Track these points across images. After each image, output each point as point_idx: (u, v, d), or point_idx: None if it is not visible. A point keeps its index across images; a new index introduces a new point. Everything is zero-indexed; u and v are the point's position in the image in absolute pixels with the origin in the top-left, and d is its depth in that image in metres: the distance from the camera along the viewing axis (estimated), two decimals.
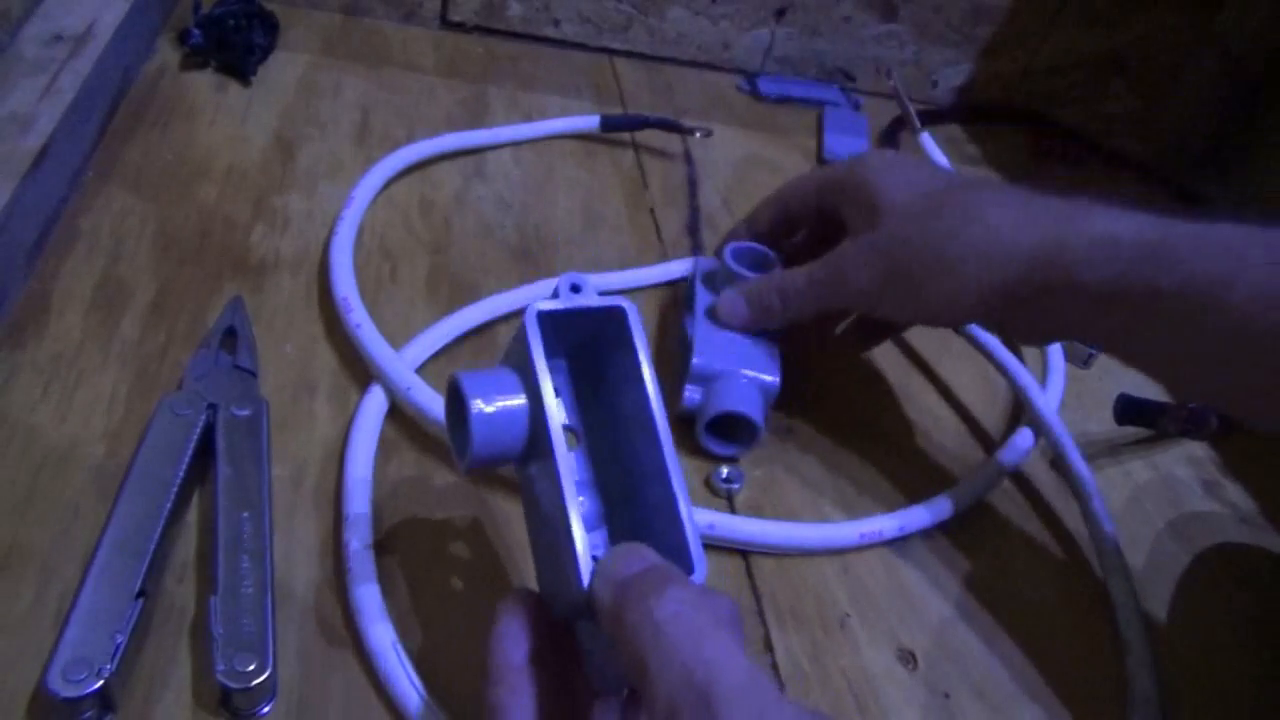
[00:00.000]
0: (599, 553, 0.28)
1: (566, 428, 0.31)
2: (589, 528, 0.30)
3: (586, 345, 0.32)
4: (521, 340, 0.30)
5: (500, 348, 0.42)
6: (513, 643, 0.28)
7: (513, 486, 0.41)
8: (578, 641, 0.29)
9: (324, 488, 0.39)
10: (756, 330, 0.46)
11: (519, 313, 0.30)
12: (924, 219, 0.41)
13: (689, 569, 0.28)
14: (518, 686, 0.27)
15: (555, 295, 0.31)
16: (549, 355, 0.30)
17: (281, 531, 0.37)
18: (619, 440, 0.32)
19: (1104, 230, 0.37)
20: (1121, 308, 0.36)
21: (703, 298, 0.47)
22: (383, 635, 0.34)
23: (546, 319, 0.30)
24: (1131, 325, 0.37)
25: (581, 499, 0.31)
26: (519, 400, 0.30)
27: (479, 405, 0.29)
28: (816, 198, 0.47)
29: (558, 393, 0.30)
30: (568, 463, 0.28)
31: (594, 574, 0.27)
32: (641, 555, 0.27)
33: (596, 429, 0.33)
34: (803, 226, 0.49)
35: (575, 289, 0.31)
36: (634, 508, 0.31)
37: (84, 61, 0.50)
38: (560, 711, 0.27)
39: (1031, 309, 0.39)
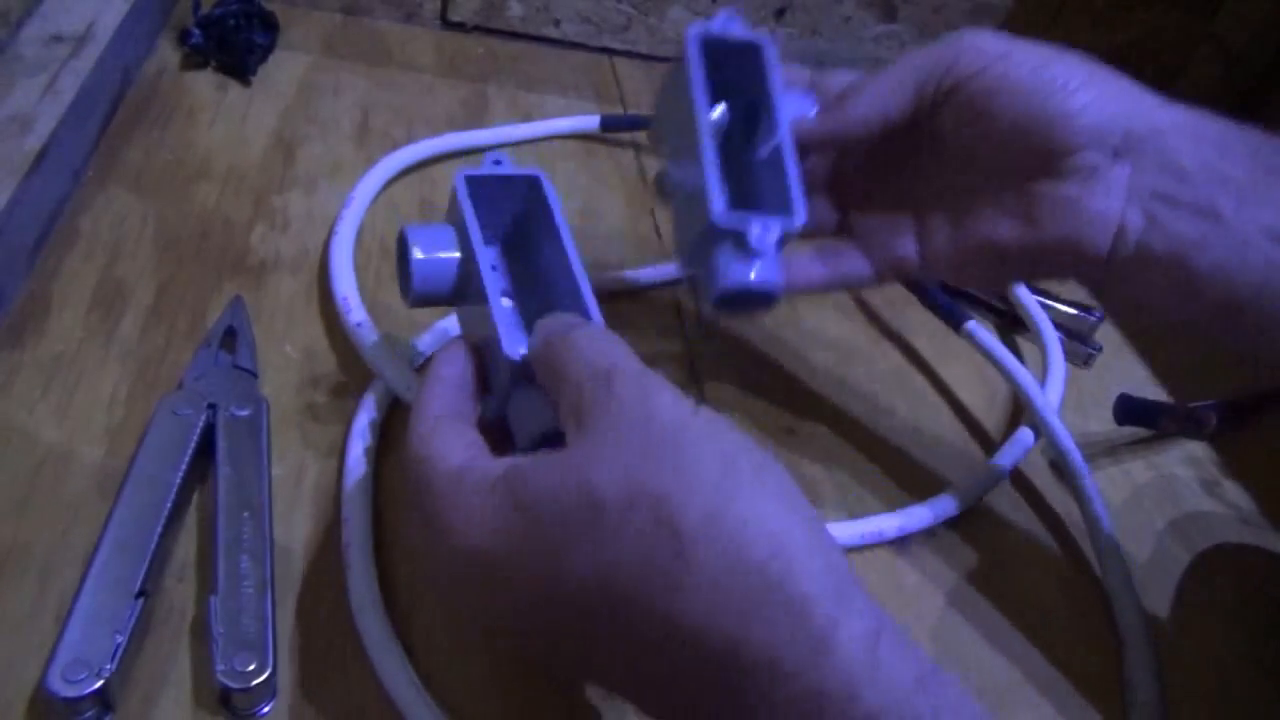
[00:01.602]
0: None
1: (503, 292, 0.38)
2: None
3: (517, 229, 0.39)
4: (452, 198, 0.36)
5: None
6: (448, 363, 0.34)
7: None
8: (509, 424, 0.34)
9: (324, 488, 0.39)
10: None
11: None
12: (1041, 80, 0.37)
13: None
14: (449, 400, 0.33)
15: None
16: (483, 228, 0.36)
17: (281, 531, 0.37)
18: (546, 299, 0.37)
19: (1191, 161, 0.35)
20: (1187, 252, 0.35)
21: (705, 111, 0.39)
22: (383, 635, 0.34)
23: (472, 182, 0.37)
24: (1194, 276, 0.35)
25: (507, 302, 0.38)
26: (453, 253, 0.36)
27: (417, 253, 0.36)
28: (916, 97, 0.39)
29: (490, 256, 0.37)
30: (489, 269, 0.35)
31: (532, 335, 0.32)
32: (564, 319, 0.32)
33: (528, 296, 0.38)
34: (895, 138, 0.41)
35: (497, 163, 0.38)
36: (544, 294, 0.37)
37: (84, 61, 0.50)
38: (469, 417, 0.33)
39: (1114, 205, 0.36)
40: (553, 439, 0.30)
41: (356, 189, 0.52)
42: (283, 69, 0.62)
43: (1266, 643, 0.44)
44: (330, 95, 0.62)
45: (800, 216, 0.38)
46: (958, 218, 0.40)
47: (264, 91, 0.60)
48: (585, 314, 0.34)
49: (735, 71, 0.40)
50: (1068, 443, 0.48)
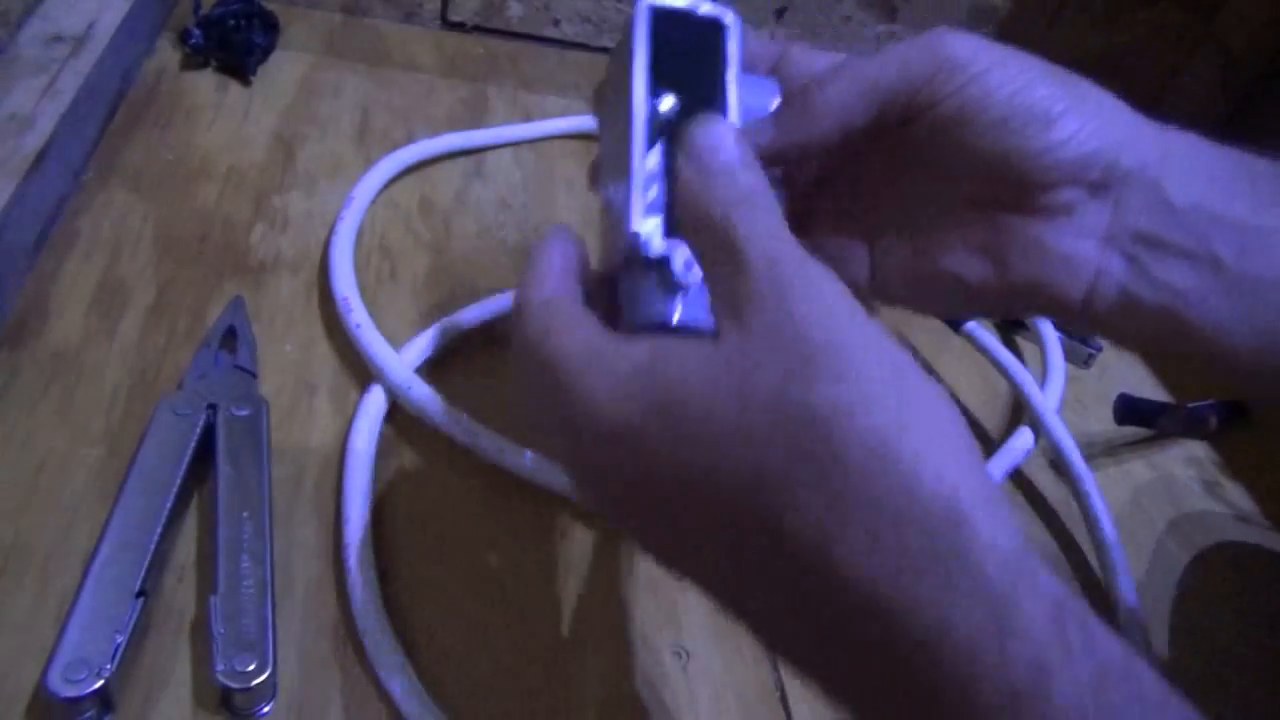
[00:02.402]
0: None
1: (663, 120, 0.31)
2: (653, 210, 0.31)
3: (692, 74, 0.32)
4: (627, 31, 0.31)
5: (504, 348, 0.42)
6: (560, 247, 0.30)
7: (515, 488, 0.41)
8: (620, 294, 0.30)
9: (324, 488, 0.39)
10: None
11: None
12: (1032, 85, 0.32)
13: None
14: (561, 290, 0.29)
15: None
16: (658, 76, 0.31)
17: (281, 531, 0.37)
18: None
19: (1196, 200, 0.32)
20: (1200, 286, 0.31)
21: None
22: (382, 634, 0.34)
23: (660, 18, 0.31)
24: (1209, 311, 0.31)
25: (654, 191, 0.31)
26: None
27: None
28: (898, 90, 0.33)
29: (658, 94, 0.31)
30: (645, 116, 0.30)
31: (684, 162, 0.28)
32: (722, 141, 0.27)
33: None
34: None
35: None
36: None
37: (84, 61, 0.50)
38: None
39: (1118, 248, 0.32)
40: (669, 331, 0.28)
41: (356, 189, 0.52)
42: (283, 69, 0.62)
43: (1266, 642, 0.44)
44: (330, 95, 0.62)
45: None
46: (916, 243, 0.35)
47: (264, 91, 0.60)
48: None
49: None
50: (1068, 443, 0.48)
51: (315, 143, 0.57)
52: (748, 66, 0.33)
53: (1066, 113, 0.31)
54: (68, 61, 0.50)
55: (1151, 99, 0.81)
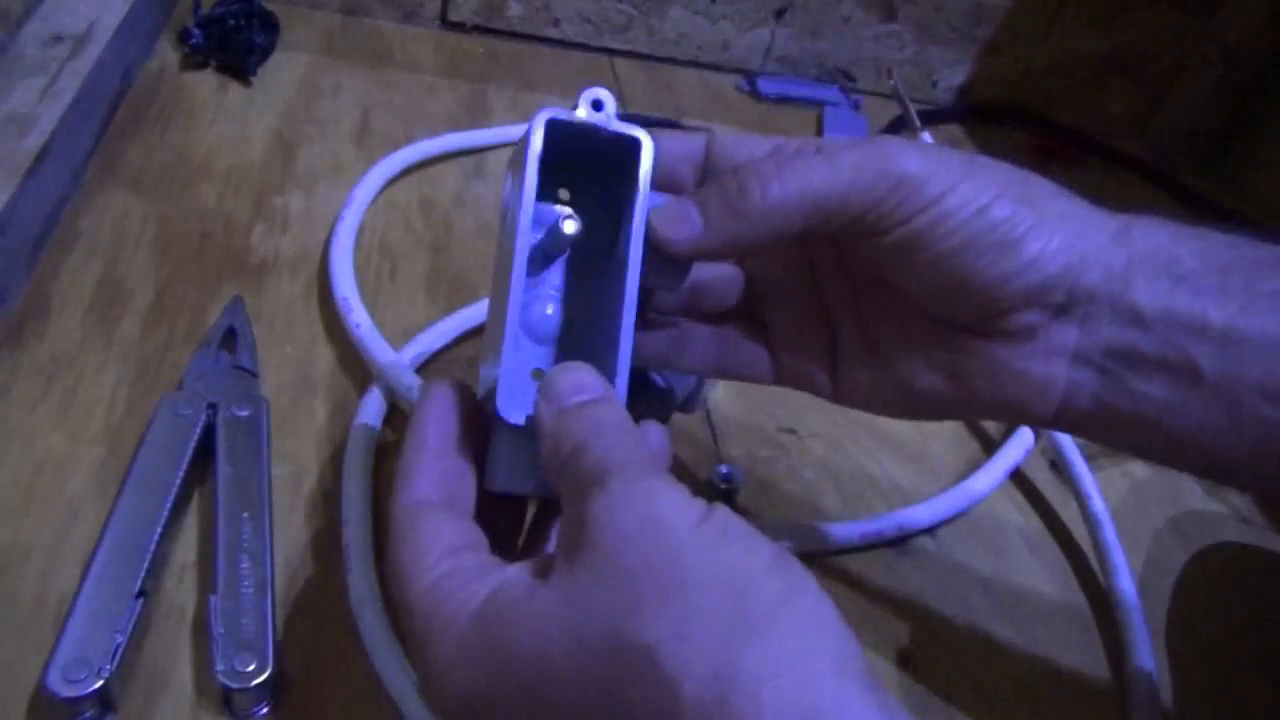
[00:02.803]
0: (539, 364, 0.29)
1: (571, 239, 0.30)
2: (540, 338, 0.31)
3: (613, 170, 0.31)
4: (523, 142, 0.29)
5: None
6: (436, 420, 0.30)
7: None
8: (491, 435, 0.29)
9: (324, 488, 0.39)
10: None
11: None
12: (985, 209, 0.30)
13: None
14: (431, 465, 0.29)
15: (576, 106, 0.30)
16: (564, 165, 0.30)
17: (281, 531, 0.37)
18: (606, 275, 0.31)
19: (1164, 304, 0.30)
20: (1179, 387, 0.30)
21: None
22: (383, 635, 0.34)
23: (555, 129, 0.29)
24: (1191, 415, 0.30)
25: (549, 310, 0.31)
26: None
27: None
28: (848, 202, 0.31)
29: (570, 203, 0.31)
30: (522, 261, 0.28)
31: (539, 392, 0.27)
32: (582, 383, 0.27)
33: (593, 257, 0.32)
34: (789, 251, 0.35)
35: (597, 106, 0.30)
36: (588, 340, 0.31)
37: (84, 61, 0.50)
38: (461, 499, 0.29)
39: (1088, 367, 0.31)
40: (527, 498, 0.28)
41: (356, 189, 0.52)
42: (283, 69, 0.62)
43: (1266, 641, 0.44)
44: (330, 95, 0.62)
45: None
46: (878, 359, 0.33)
47: (264, 91, 0.60)
48: (612, 362, 0.29)
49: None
50: (1068, 443, 0.48)
51: (315, 143, 0.57)
52: (670, 167, 0.32)
53: (1027, 235, 0.29)
54: (68, 61, 0.50)
55: (1151, 99, 0.81)
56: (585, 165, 0.31)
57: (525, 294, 0.29)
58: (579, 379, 0.27)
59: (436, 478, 0.29)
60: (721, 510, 0.24)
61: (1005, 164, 0.31)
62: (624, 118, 0.31)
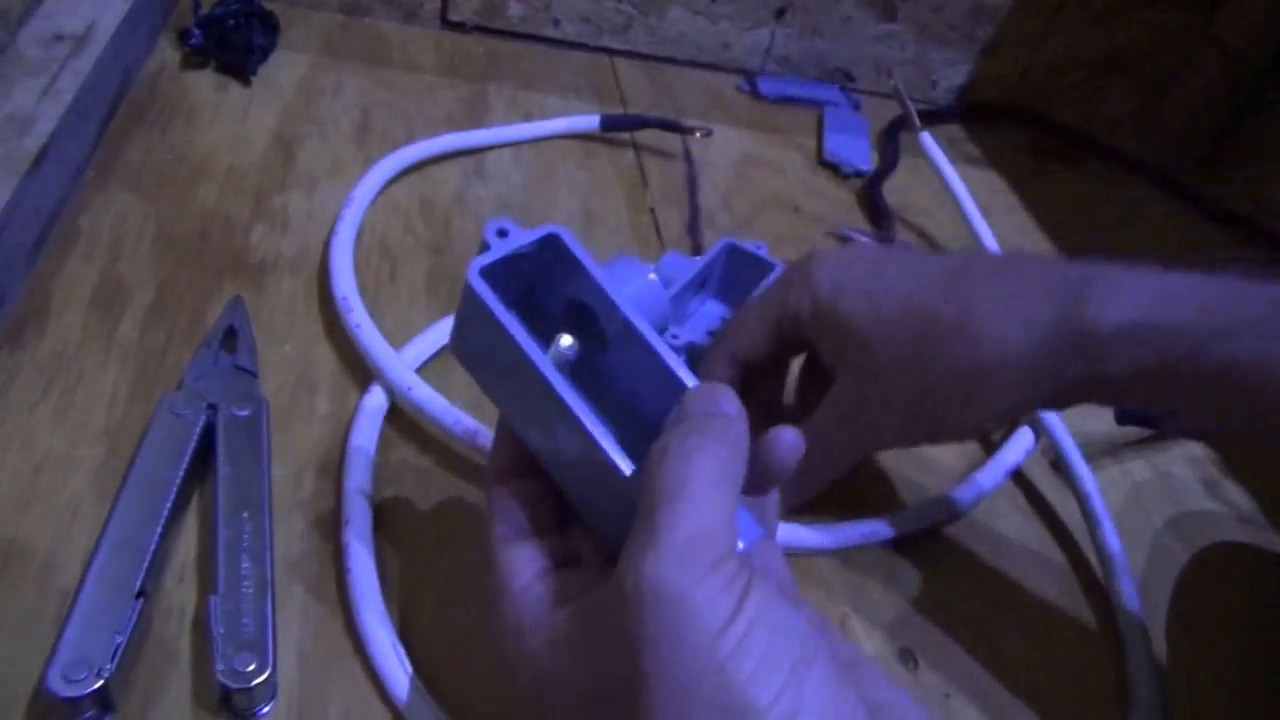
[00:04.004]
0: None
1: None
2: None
3: (537, 286, 0.32)
4: (472, 301, 0.29)
5: None
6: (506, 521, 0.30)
7: None
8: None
9: (324, 488, 0.39)
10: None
11: None
12: (923, 351, 0.36)
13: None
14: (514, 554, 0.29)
15: (485, 247, 0.30)
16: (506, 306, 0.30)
17: (281, 531, 0.37)
18: (606, 360, 0.31)
19: (1127, 317, 0.33)
20: (1159, 392, 0.34)
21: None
22: (383, 634, 0.34)
23: (489, 273, 0.29)
24: (1175, 405, 0.35)
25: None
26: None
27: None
28: (773, 343, 0.40)
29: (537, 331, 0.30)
30: (565, 386, 0.28)
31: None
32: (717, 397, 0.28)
33: (578, 373, 0.32)
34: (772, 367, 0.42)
35: (502, 234, 0.30)
36: (644, 425, 0.30)
37: (84, 61, 0.50)
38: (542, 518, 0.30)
39: (1060, 401, 0.36)
40: None
41: (356, 189, 0.52)
42: (283, 69, 0.62)
43: (1266, 642, 0.44)
44: (330, 95, 0.62)
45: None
46: (855, 436, 0.39)
47: (264, 91, 0.60)
48: (673, 382, 0.29)
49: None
50: (1068, 443, 0.48)
51: (315, 143, 0.57)
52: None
53: (972, 390, 0.35)
54: (68, 61, 0.50)
55: (1151, 99, 0.81)
56: (524, 289, 0.32)
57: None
58: (716, 392, 0.28)
59: (515, 519, 0.30)
60: (751, 607, 0.23)
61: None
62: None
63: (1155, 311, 0.33)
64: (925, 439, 0.40)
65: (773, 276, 0.44)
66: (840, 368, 0.38)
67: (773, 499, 0.30)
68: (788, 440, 0.29)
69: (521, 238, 0.30)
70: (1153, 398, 0.35)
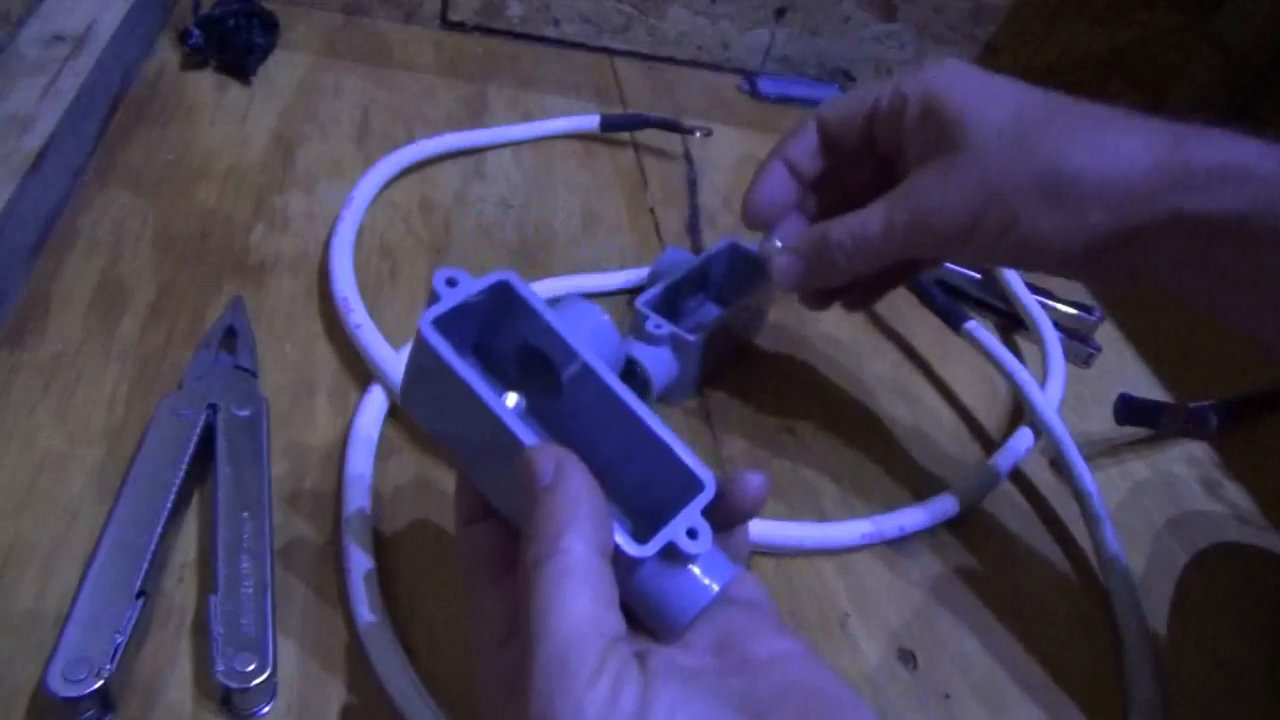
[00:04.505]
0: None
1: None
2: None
3: (488, 330, 0.31)
4: (425, 352, 0.28)
5: None
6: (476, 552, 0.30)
7: None
8: (642, 606, 0.29)
9: (324, 488, 0.39)
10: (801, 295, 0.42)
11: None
12: (1024, 140, 0.35)
13: (698, 486, 0.28)
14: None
15: (435, 297, 0.29)
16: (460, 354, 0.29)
17: (281, 531, 0.37)
18: (563, 413, 0.31)
19: (1230, 159, 0.32)
20: (1243, 245, 0.32)
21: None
22: (382, 634, 0.34)
23: (442, 324, 0.28)
24: (1251, 265, 0.33)
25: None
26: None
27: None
28: (865, 125, 0.40)
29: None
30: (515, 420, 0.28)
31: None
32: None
33: (534, 417, 0.31)
34: (843, 168, 0.42)
35: (451, 283, 0.29)
36: (610, 464, 0.30)
37: (84, 61, 0.50)
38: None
39: (1140, 247, 0.34)
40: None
41: (356, 189, 0.52)
42: (283, 69, 0.62)
43: (1266, 642, 0.44)
44: (330, 95, 0.62)
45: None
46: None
47: (264, 91, 0.60)
48: (676, 463, 0.28)
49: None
50: (1068, 443, 0.48)
51: (315, 143, 0.57)
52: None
53: (1060, 196, 0.35)
54: (68, 61, 0.50)
55: (1151, 99, 0.81)
56: (477, 333, 0.32)
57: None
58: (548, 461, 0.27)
59: (473, 554, 0.30)
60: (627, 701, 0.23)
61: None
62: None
63: (1255, 161, 0.32)
64: (985, 248, 0.36)
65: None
66: (931, 153, 0.37)
67: (741, 532, 0.30)
68: (754, 483, 0.29)
69: (471, 286, 0.29)
70: (1234, 253, 0.33)
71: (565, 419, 0.31)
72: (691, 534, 0.27)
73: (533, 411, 0.31)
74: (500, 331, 0.31)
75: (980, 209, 0.35)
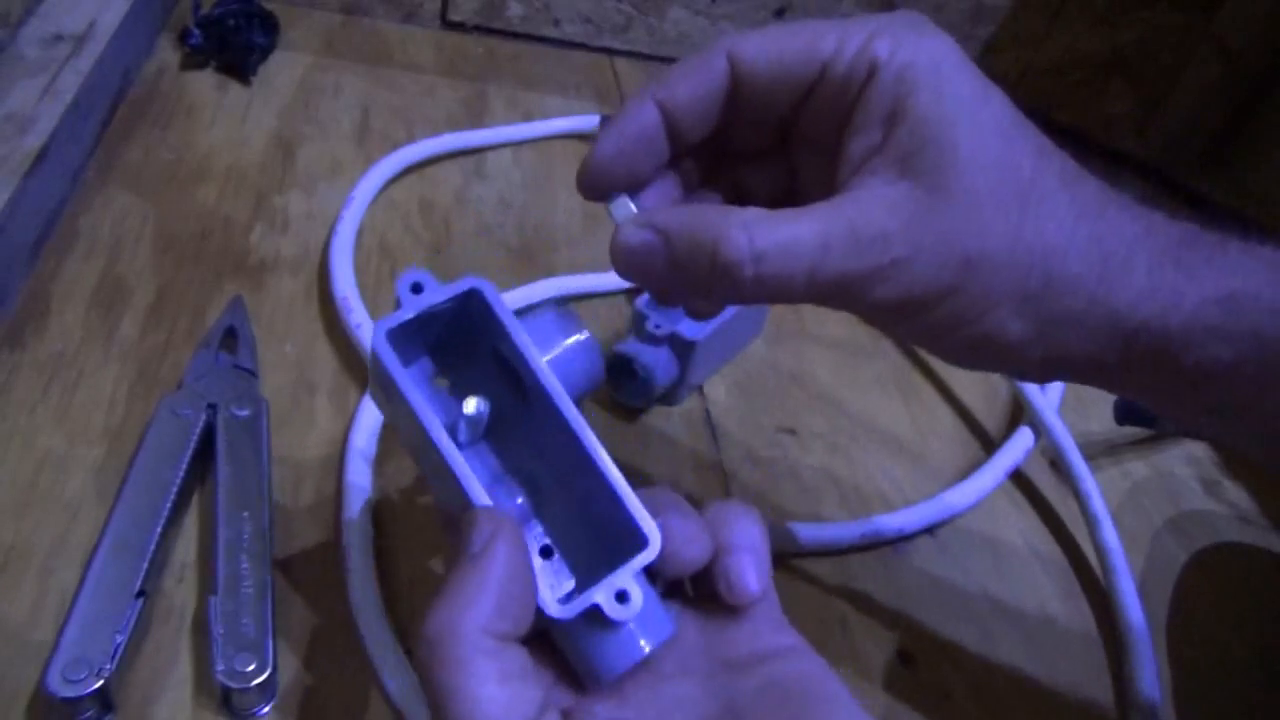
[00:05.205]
0: (539, 541, 0.28)
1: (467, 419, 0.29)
2: (522, 521, 0.29)
3: (460, 329, 0.30)
4: (378, 365, 0.27)
5: None
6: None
7: None
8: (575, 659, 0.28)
9: (324, 488, 0.39)
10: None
11: (518, 313, 0.29)
12: (1022, 207, 0.26)
13: (641, 543, 0.27)
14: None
15: (398, 303, 0.28)
16: (421, 354, 0.29)
17: (281, 531, 0.37)
18: (531, 423, 0.29)
19: (1227, 287, 0.26)
20: (1236, 385, 0.27)
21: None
22: (383, 635, 0.34)
23: (398, 334, 0.27)
24: (1245, 403, 0.27)
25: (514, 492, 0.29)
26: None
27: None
28: (803, 87, 0.28)
29: (455, 386, 0.29)
30: (459, 464, 0.26)
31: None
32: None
33: (507, 420, 0.30)
34: (739, 129, 0.30)
35: (417, 289, 0.28)
36: (568, 491, 0.29)
37: (84, 61, 0.50)
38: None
39: (1116, 378, 0.29)
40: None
41: (356, 189, 0.52)
42: (283, 69, 0.62)
43: (1266, 642, 0.44)
44: (330, 95, 0.62)
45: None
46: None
47: (264, 91, 0.60)
48: (621, 513, 0.27)
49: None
50: (1068, 443, 0.48)
51: (315, 143, 0.57)
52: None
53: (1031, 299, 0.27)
54: (68, 61, 0.50)
55: (1151, 99, 0.81)
56: (440, 340, 0.30)
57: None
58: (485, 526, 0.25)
59: (496, 608, 0.25)
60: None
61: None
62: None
63: (1267, 289, 0.26)
64: (927, 332, 0.28)
65: None
66: (893, 165, 0.27)
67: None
68: (747, 579, 0.27)
69: (438, 294, 0.28)
70: (1220, 399, 0.28)
71: (530, 425, 0.29)
72: (621, 597, 0.25)
73: (498, 413, 0.29)
74: (473, 331, 0.30)
75: (952, 284, 0.26)
